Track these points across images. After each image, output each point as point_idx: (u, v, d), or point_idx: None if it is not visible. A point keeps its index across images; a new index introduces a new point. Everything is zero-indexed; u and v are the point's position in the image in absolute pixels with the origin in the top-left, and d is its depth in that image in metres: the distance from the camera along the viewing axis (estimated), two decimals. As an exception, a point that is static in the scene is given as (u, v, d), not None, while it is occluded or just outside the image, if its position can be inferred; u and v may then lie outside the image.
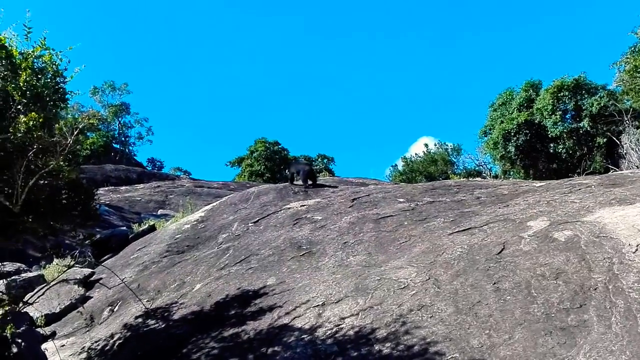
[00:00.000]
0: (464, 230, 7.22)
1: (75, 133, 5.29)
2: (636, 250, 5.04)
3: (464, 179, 18.51)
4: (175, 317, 6.93)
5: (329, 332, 5.27)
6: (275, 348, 5.30)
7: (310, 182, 14.22)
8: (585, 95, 22.59)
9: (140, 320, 7.28)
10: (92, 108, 48.42)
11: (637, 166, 17.49)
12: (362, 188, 14.11)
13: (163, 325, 6.82)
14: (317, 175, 19.53)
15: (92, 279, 10.31)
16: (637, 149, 18.52)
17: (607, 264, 4.95)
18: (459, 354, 4.28)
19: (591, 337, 4.01)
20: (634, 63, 21.13)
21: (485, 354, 4.18)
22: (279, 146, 45.28)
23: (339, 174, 42.20)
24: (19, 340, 5.96)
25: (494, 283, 5.24)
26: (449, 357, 4.28)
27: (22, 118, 4.86)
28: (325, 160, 47.81)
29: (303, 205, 11.23)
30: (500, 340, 4.31)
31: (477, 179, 18.08)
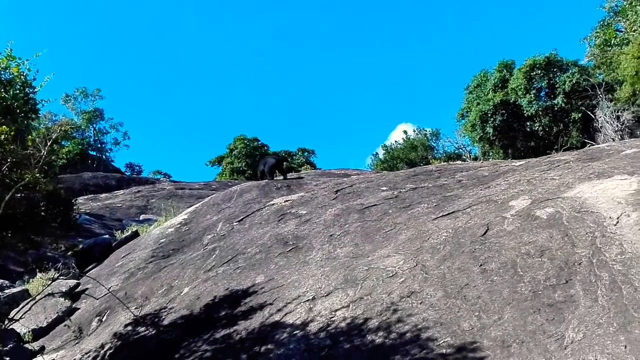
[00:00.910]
0: (447, 214, 7.27)
1: (49, 144, 5.17)
2: (617, 222, 5.12)
3: (445, 163, 18.66)
4: (165, 322, 6.86)
5: (321, 325, 5.27)
6: (269, 346, 5.28)
7: (279, 176, 14.26)
8: (558, 73, 22.91)
9: (129, 328, 7.19)
10: (64, 116, 47.57)
11: (612, 139, 17.81)
12: (345, 179, 14.12)
13: (153, 332, 6.75)
14: (286, 167, 19.47)
15: (77, 290, 10.15)
16: (611, 122, 18.88)
17: (590, 238, 5.03)
18: (451, 338, 4.31)
19: (579, 312, 4.08)
20: (603, 37, 21.48)
21: (477, 336, 4.22)
22: (259, 142, 45.10)
23: (320, 166, 42.27)
24: (7, 359, 5.84)
25: (481, 265, 5.29)
26: (441, 341, 4.31)
27: (-7, 131, 4.73)
28: (305, 154, 47.77)
29: (287, 201, 11.19)
30: (491, 321, 4.35)
31: (457, 162, 18.24)
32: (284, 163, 19.46)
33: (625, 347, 3.52)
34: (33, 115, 5.59)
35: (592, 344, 3.67)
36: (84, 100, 50.29)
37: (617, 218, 5.21)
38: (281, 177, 14.34)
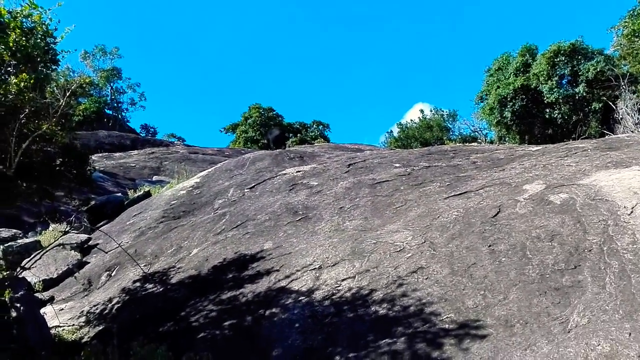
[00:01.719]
0: (459, 194, 7.24)
1: (67, 95, 5.18)
2: (631, 212, 5.07)
3: (460, 144, 18.49)
4: (173, 281, 6.98)
5: (326, 294, 5.33)
6: (273, 310, 5.36)
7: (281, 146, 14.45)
8: (582, 60, 22.39)
9: (138, 284, 7.33)
10: (82, 73, 47.59)
11: (632, 131, 17.49)
12: (358, 154, 14.08)
13: (161, 289, 6.88)
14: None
15: (88, 244, 10.33)
16: (632, 114, 18.49)
17: (602, 226, 4.98)
18: (454, 314, 4.34)
19: (585, 297, 4.07)
20: (632, 27, 20.87)
21: (480, 314, 4.25)
22: (274, 112, 44.95)
23: (334, 140, 42.13)
24: (18, 305, 5.99)
25: (489, 245, 5.28)
26: (445, 317, 4.34)
27: (13, 79, 4.74)
28: (320, 127, 47.56)
29: (299, 171, 11.20)
30: (495, 301, 4.37)
31: (473, 144, 18.06)
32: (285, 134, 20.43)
33: (630, 334, 3.52)
34: (53, 66, 5.58)
35: (596, 329, 3.68)
36: (103, 58, 50.20)
37: (632, 208, 5.14)
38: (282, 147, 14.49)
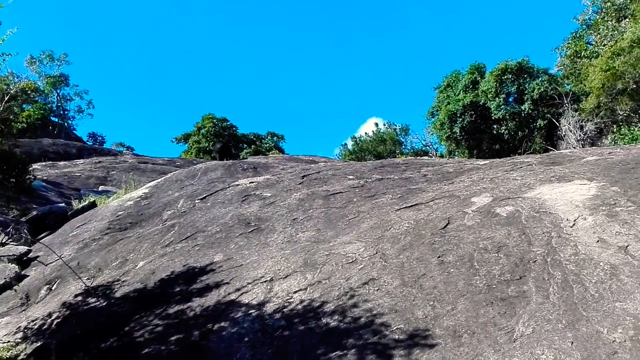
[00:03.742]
0: (411, 206, 7.33)
1: (5, 100, 4.90)
2: (573, 224, 5.26)
3: (412, 157, 18.84)
4: (117, 295, 6.69)
5: (277, 307, 5.24)
6: (222, 324, 5.21)
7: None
8: (528, 79, 23.40)
9: (80, 298, 6.99)
10: (28, 78, 45.65)
11: (574, 147, 18.33)
12: (312, 165, 14.09)
13: (104, 304, 6.58)
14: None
15: (28, 257, 9.80)
16: (574, 131, 19.41)
17: (546, 238, 5.14)
18: (404, 325, 4.35)
19: (530, 307, 4.17)
20: (574, 48, 22.01)
21: (430, 324, 4.27)
22: (228, 123, 44.55)
23: (289, 151, 42.08)
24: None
25: (439, 256, 5.35)
26: (395, 328, 4.34)
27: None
28: (275, 138, 47.48)
29: (252, 182, 11.08)
30: (444, 311, 4.41)
31: (424, 157, 18.44)
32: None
33: (572, 343, 3.62)
34: (-9, 69, 5.28)
35: (540, 338, 3.76)
36: (50, 64, 48.41)
37: (574, 220, 5.34)
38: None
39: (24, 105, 40.72)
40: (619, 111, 19.43)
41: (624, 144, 15.64)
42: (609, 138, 18.78)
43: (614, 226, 5.04)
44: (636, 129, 16.84)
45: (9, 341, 6.44)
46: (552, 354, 3.58)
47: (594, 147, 13.50)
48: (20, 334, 6.51)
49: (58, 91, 48.70)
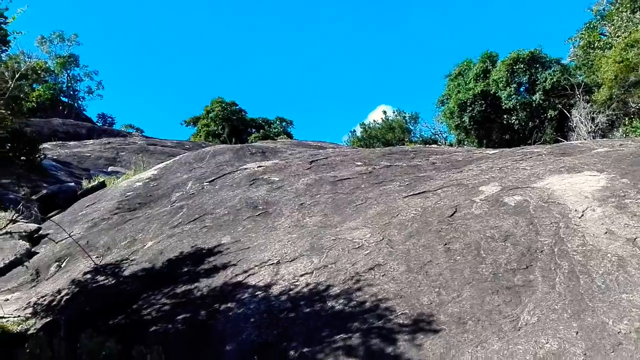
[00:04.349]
0: (418, 193, 7.33)
1: (16, 77, 4.93)
2: (582, 215, 5.24)
3: (420, 145, 18.78)
4: (126, 273, 6.78)
5: (283, 289, 5.29)
6: (229, 304, 5.27)
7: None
8: (540, 69, 23.13)
9: (89, 276, 7.09)
10: (38, 58, 45.70)
11: (585, 139, 18.16)
12: (321, 151, 14.09)
13: (113, 282, 6.67)
14: None
15: (39, 234, 9.93)
16: (586, 123, 19.21)
17: (554, 228, 5.13)
18: (409, 310, 4.38)
19: (536, 296, 4.18)
20: (588, 39, 21.70)
21: (434, 311, 4.30)
22: (237, 107, 44.45)
23: (297, 137, 42.04)
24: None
25: (445, 244, 5.36)
26: (399, 313, 4.38)
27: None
28: (284, 124, 47.36)
29: (260, 166, 11.10)
30: (449, 298, 4.43)
31: (432, 146, 18.37)
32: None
33: (577, 333, 3.63)
34: (2, 47, 5.30)
35: (545, 327, 3.78)
36: (60, 44, 48.28)
37: (583, 211, 5.32)
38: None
39: (34, 85, 40.85)
40: (632, 103, 19.19)
41: (636, 136, 15.47)
42: (620, 130, 18.58)
43: (623, 218, 5.02)
44: (648, 122, 16.64)
45: (19, 316, 6.56)
46: (556, 342, 3.59)
47: (604, 139, 13.38)
48: (30, 309, 6.63)
49: (68, 71, 48.67)
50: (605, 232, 4.84)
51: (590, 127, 19.85)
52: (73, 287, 6.86)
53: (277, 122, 47.33)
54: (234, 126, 41.97)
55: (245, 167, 11.28)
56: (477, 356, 3.69)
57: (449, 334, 3.99)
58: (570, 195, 5.80)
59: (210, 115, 43.02)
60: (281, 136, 39.68)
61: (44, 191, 13.15)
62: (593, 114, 20.15)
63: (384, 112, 37.41)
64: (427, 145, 18.34)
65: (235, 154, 13.36)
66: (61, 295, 6.71)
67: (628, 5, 20.72)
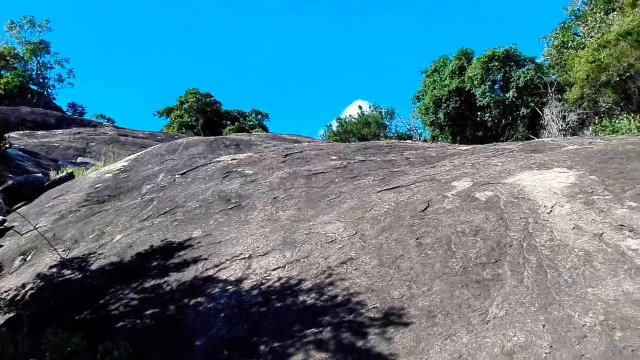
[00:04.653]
0: (392, 188, 7.35)
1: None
2: (551, 211, 5.32)
3: (395, 141, 18.88)
4: (93, 267, 6.62)
5: (255, 283, 5.24)
6: (199, 299, 5.20)
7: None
8: (514, 67, 23.48)
9: (54, 270, 6.90)
10: (7, 43, 44.36)
11: (556, 137, 18.52)
12: (296, 145, 14.02)
13: (79, 276, 6.50)
14: None
15: (3, 226, 9.62)
16: (557, 121, 19.59)
17: (523, 223, 5.20)
18: (380, 304, 4.38)
19: (504, 290, 4.23)
20: (562, 38, 22.12)
21: (405, 304, 4.31)
22: (212, 98, 43.95)
23: (273, 130, 41.83)
24: None
25: (417, 238, 5.38)
26: (370, 306, 4.37)
27: None
28: (259, 116, 47.08)
29: (234, 159, 10.98)
30: (420, 292, 4.45)
31: (407, 141, 18.48)
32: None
33: (544, 326, 3.68)
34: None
35: (512, 320, 3.82)
36: (30, 30, 46.88)
37: (551, 207, 5.41)
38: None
39: (2, 72, 39.67)
40: (602, 103, 19.66)
41: (605, 135, 15.85)
42: (590, 129, 19.01)
43: (590, 214, 5.12)
44: (617, 121, 17.06)
45: (-20, 311, 6.34)
46: (523, 335, 3.64)
47: (574, 137, 13.67)
48: (-8, 305, 6.42)
49: (38, 58, 47.26)
50: (573, 228, 4.92)
51: (562, 125, 20.26)
52: (38, 281, 6.67)
53: (253, 115, 47.02)
54: (208, 118, 41.53)
55: (218, 159, 11.14)
56: (446, 349, 3.71)
57: (419, 327, 4.00)
58: (540, 191, 5.89)
59: (184, 106, 42.47)
60: (256, 129, 39.44)
61: (10, 182, 12.76)
62: (564, 112, 20.57)
63: (360, 107, 37.54)
64: (401, 141, 18.45)
65: (208, 146, 13.18)
66: (25, 289, 6.51)
67: (602, 7, 21.19)
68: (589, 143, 8.27)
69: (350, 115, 37.38)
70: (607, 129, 17.00)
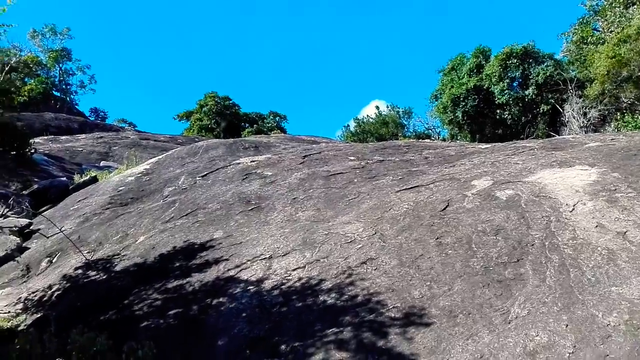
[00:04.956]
0: (411, 188, 7.34)
1: (5, 70, 4.86)
2: (573, 209, 5.27)
3: (413, 140, 18.79)
4: (117, 268, 6.75)
5: (275, 284, 5.28)
6: (221, 299, 5.27)
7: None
8: (533, 64, 23.18)
9: (80, 271, 7.05)
10: (30, 51, 45.29)
11: (577, 134, 18.24)
12: (314, 146, 14.07)
13: (104, 277, 6.64)
14: None
15: (30, 229, 9.86)
16: (578, 117, 19.29)
17: (545, 222, 5.16)
18: (401, 304, 4.39)
19: (526, 290, 4.20)
20: (581, 34, 21.77)
21: (426, 304, 4.31)
22: (230, 101, 44.29)
23: (291, 131, 41.98)
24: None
25: (437, 238, 5.37)
26: (391, 306, 4.38)
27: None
28: (277, 118, 47.27)
29: (253, 161, 11.07)
30: (440, 292, 4.44)
31: (425, 140, 18.39)
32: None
33: (567, 325, 3.65)
34: (-8, 39, 5.24)
35: (535, 320, 3.80)
36: (52, 38, 47.82)
37: (574, 205, 5.35)
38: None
39: (26, 79, 40.50)
40: (623, 99, 19.29)
41: (627, 131, 15.56)
42: (612, 125, 18.69)
43: (614, 212, 5.05)
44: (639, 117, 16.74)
45: (9, 312, 6.51)
46: (546, 335, 3.61)
47: (596, 134, 13.45)
48: (20, 305, 6.58)
49: (60, 65, 48.25)
50: (596, 226, 4.86)
51: (583, 121, 19.95)
52: (64, 282, 6.82)
53: (271, 117, 47.23)
54: (229, 121, 41.86)
55: (238, 161, 11.24)
56: (467, 349, 3.70)
57: (440, 327, 4.00)
58: (562, 190, 5.83)
59: (203, 109, 42.87)
60: (274, 131, 39.61)
61: (35, 186, 13.06)
62: (585, 108, 20.25)
63: (378, 107, 37.44)
64: (420, 140, 18.35)
65: (228, 149, 13.31)
66: (52, 290, 6.67)
67: (621, 1, 20.79)
68: (611, 140, 8.15)
69: (367, 116, 37.35)
70: (630, 125, 16.69)
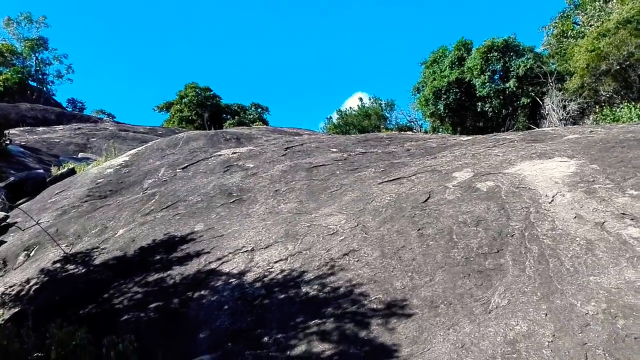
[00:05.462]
0: (393, 179, 7.35)
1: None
2: (552, 200, 5.33)
3: (396, 132, 18.86)
4: (97, 262, 6.65)
5: (257, 276, 5.26)
6: (202, 292, 5.22)
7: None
8: (514, 57, 23.39)
9: (58, 265, 6.93)
10: (5, 40, 44.25)
11: (557, 126, 18.48)
12: (296, 137, 14.02)
13: (83, 271, 6.53)
14: None
15: (5, 222, 9.64)
16: (557, 110, 19.54)
17: (525, 213, 5.21)
18: (383, 295, 4.40)
19: (506, 280, 4.24)
20: (561, 28, 22.02)
21: (407, 295, 4.33)
22: (211, 92, 43.86)
23: (273, 123, 41.82)
24: None
25: (419, 229, 5.40)
26: (373, 297, 4.39)
27: None
28: (259, 110, 47.03)
29: (235, 153, 10.99)
30: (422, 282, 4.47)
31: (408, 132, 18.46)
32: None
33: (546, 315, 3.70)
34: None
35: (515, 310, 3.84)
36: (28, 26, 46.78)
37: (553, 197, 5.41)
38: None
39: (1, 69, 39.59)
40: (602, 92, 19.60)
41: (606, 124, 15.81)
42: (591, 118, 18.97)
43: (592, 203, 5.12)
44: (618, 109, 17.01)
45: (-15, 307, 6.37)
46: (526, 324, 3.66)
47: (575, 126, 13.63)
48: (-3, 300, 6.45)
49: (37, 55, 47.22)
50: (575, 217, 4.93)
51: (562, 114, 20.22)
52: (42, 276, 6.70)
53: (253, 109, 46.96)
54: (212, 112, 41.49)
55: (219, 153, 11.15)
56: (448, 339, 3.73)
57: (422, 318, 4.02)
58: (541, 181, 5.89)
59: (183, 100, 42.40)
60: (257, 122, 39.41)
61: (11, 178, 12.78)
62: (565, 101, 20.52)
63: (360, 99, 37.60)
64: (402, 132, 18.43)
65: (209, 140, 13.18)
66: (30, 285, 6.54)
67: (601, -5, 21.08)
68: (590, 132, 8.26)
69: (350, 108, 37.38)
70: (608, 118, 16.96)
